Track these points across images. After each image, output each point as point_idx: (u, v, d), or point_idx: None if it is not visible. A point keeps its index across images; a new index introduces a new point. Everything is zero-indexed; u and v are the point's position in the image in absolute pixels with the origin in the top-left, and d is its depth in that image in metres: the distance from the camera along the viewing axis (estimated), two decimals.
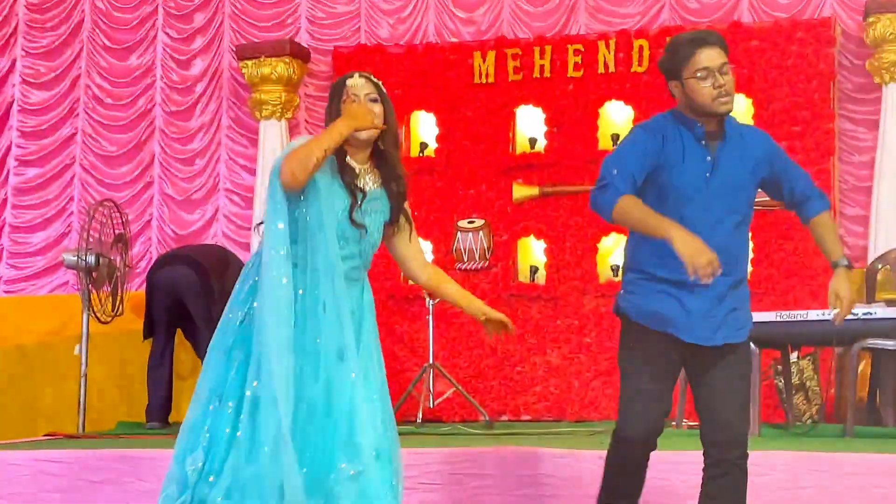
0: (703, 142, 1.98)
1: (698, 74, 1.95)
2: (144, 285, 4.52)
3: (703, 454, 1.99)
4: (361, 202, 1.94)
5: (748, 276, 2.12)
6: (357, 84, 2.07)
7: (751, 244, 2.35)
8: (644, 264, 1.98)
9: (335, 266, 1.91)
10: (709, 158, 1.98)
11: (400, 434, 2.03)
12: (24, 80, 5.11)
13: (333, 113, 2.05)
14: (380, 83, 2.09)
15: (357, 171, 2.01)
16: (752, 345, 2.50)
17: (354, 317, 1.96)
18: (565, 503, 2.73)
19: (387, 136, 2.04)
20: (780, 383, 4.14)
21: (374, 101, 2.05)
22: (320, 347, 1.89)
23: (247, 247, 4.60)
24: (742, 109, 4.42)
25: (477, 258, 4.89)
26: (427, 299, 4.60)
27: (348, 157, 1.98)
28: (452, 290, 2.18)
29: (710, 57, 1.96)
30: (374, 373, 2.01)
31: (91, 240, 4.47)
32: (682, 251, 1.73)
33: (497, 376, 4.62)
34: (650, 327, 1.97)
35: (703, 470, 2.00)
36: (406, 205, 2.12)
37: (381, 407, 1.99)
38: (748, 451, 1.99)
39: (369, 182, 2.03)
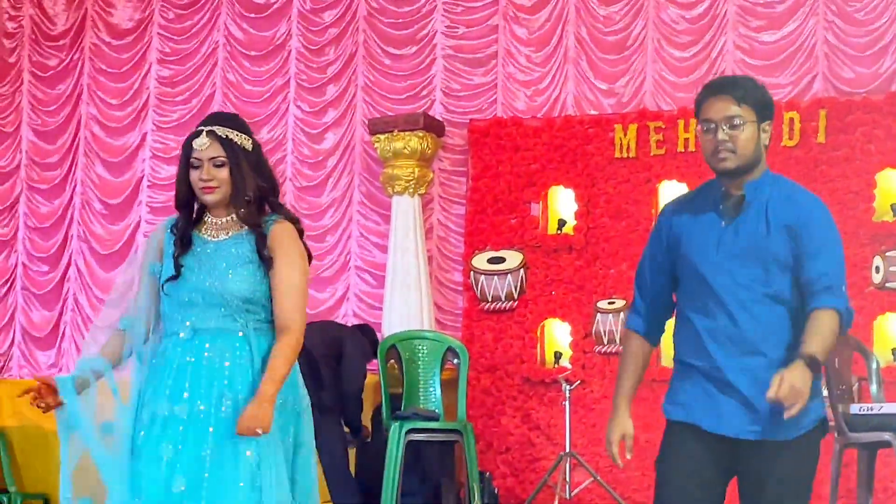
0: (721, 206, 1.94)
1: (702, 126, 1.94)
2: None
3: None
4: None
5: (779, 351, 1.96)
6: (202, 147, 2.10)
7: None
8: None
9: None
10: (722, 224, 1.93)
11: None
12: (154, 154, 5.32)
13: (180, 178, 2.13)
14: (229, 134, 2.12)
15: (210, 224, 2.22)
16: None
17: None
18: None
19: (238, 197, 2.12)
20: None
21: (220, 165, 2.09)
22: None
23: (378, 327, 4.61)
24: None
25: (618, 341, 4.79)
26: (563, 384, 4.55)
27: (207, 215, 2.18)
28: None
29: (715, 108, 1.92)
30: None
31: None
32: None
33: (639, 466, 4.42)
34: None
35: None
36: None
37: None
38: None
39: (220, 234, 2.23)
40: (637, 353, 2.05)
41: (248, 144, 2.18)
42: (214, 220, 2.19)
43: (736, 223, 1.94)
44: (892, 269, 4.51)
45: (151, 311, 2.18)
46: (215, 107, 5.29)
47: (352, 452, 4.78)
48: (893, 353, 4.47)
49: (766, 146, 1.97)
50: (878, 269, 4.44)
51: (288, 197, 5.10)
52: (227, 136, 2.13)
